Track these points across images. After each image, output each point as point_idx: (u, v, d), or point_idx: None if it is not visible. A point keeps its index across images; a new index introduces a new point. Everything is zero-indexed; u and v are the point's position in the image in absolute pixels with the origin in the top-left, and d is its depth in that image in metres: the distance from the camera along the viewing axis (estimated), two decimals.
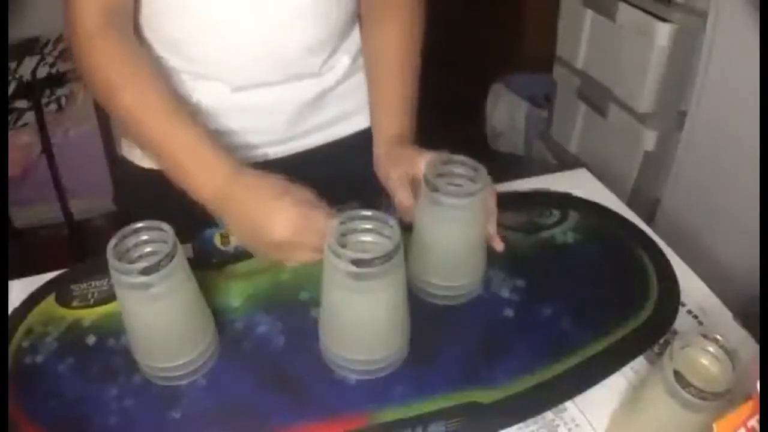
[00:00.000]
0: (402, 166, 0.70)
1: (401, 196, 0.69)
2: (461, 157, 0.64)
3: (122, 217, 0.89)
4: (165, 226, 0.56)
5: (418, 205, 0.65)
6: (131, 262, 0.55)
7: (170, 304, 0.56)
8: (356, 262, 0.52)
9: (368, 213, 0.57)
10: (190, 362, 0.59)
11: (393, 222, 0.56)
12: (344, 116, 0.89)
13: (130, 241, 0.56)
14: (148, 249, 0.57)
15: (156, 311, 0.56)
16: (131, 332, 0.59)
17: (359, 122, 0.89)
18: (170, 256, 0.54)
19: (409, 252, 0.67)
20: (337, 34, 0.81)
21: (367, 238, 0.58)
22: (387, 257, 0.53)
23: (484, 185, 0.61)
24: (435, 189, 0.61)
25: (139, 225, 0.56)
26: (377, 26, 0.83)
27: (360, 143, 0.84)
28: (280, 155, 0.86)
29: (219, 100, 0.79)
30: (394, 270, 0.55)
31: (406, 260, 0.64)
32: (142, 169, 0.84)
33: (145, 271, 0.52)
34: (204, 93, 0.79)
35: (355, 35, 0.86)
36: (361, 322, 0.58)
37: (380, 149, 0.77)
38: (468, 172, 0.64)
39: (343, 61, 0.85)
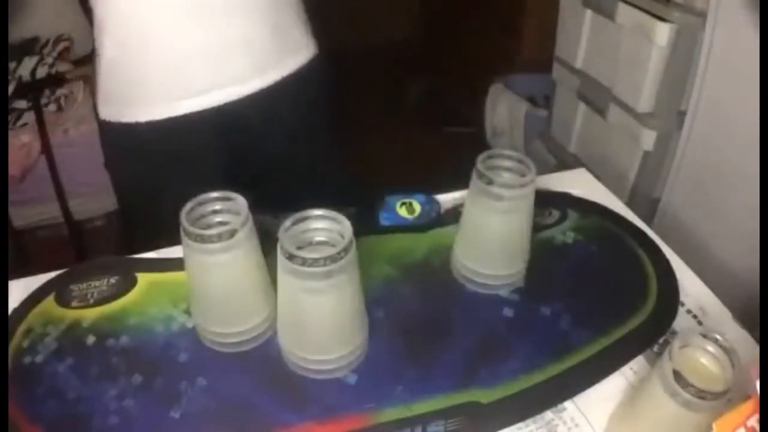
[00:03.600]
0: None
1: None
2: (508, 151, 0.66)
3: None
4: (238, 197, 0.59)
5: (468, 197, 0.67)
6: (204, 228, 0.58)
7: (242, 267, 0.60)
8: (305, 261, 0.52)
9: (320, 212, 0.57)
10: (254, 328, 0.62)
11: (346, 221, 0.56)
12: None
13: (200, 211, 0.59)
14: (218, 219, 0.60)
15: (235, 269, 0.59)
16: (201, 299, 0.62)
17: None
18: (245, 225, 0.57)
19: (458, 242, 0.70)
20: None
21: (321, 237, 0.58)
22: (336, 257, 0.53)
23: (533, 176, 0.63)
24: (489, 182, 0.62)
25: (214, 195, 0.60)
26: None
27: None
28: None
29: None
30: (345, 270, 0.54)
31: (454, 250, 0.70)
32: (122, 125, 0.85)
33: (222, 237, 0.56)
34: None
35: None
36: (315, 321, 0.58)
37: None
38: (515, 165, 0.66)
39: None
